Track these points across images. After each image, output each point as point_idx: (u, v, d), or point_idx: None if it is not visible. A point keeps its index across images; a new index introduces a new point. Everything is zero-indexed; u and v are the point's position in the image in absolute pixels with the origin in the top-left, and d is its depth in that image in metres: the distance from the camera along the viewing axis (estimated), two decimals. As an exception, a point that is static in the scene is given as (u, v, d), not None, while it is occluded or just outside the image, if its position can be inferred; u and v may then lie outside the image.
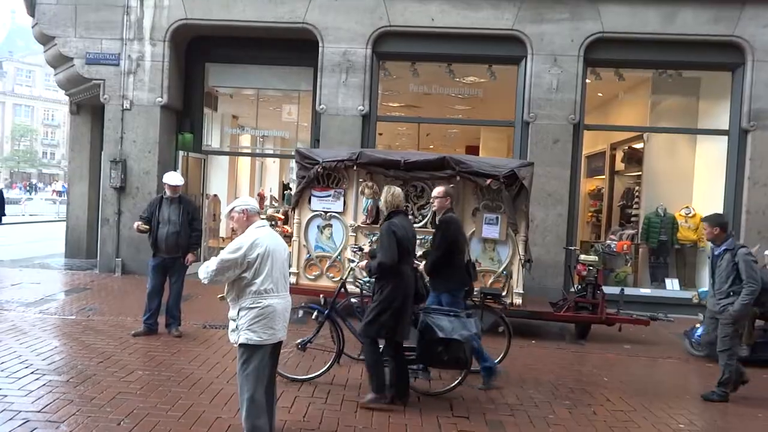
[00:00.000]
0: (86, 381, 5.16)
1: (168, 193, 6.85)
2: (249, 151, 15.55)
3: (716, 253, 5.92)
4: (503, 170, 7.55)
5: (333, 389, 5.36)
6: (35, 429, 4.18)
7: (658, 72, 10.53)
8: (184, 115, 11.26)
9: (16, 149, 68.60)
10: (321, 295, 5.99)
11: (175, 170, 10.78)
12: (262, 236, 3.98)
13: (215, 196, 12.57)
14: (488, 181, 7.55)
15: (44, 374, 5.30)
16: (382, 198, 5.21)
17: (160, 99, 10.44)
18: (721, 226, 5.90)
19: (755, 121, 9.63)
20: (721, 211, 9.92)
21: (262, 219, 4.21)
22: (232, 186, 15.43)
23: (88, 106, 12.49)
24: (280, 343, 4.11)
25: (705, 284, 9.59)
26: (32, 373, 5.32)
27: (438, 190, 5.97)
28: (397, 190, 5.23)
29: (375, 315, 4.93)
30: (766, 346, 7.10)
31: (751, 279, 5.58)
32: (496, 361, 5.87)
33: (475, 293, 6.24)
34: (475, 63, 10.56)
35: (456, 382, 5.38)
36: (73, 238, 12.66)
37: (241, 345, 3.94)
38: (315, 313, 5.66)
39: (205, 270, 3.90)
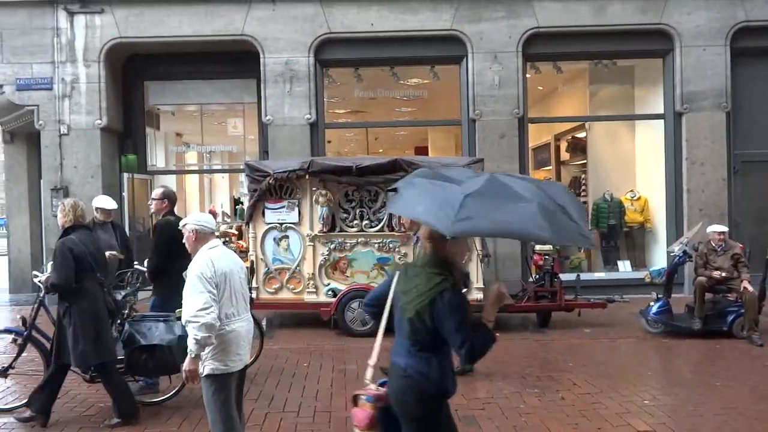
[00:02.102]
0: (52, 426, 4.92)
1: (100, 218, 6.61)
2: (196, 168, 15.22)
3: None
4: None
5: (304, 401, 5.29)
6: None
7: (593, 63, 10.88)
8: (126, 136, 10.95)
9: (-55, 184, 65.19)
10: (20, 317, 5.49)
11: (121, 194, 10.49)
12: (214, 258, 3.61)
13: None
14: (441, 180, 7.61)
15: (-2, 417, 5.04)
16: (58, 213, 4.86)
17: (99, 121, 10.12)
18: None
19: (687, 104, 10.06)
20: (663, 192, 10.38)
21: (216, 237, 3.87)
22: (181, 205, 15.08)
23: (23, 134, 11.97)
24: (243, 371, 3.82)
25: (655, 264, 10.00)
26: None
27: (156, 192, 5.74)
28: (77, 202, 4.89)
29: (73, 345, 4.66)
30: (717, 318, 7.41)
31: None
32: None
33: None
34: (418, 65, 10.67)
35: (176, 389, 5.24)
36: (15, 272, 12.09)
37: (207, 377, 3.57)
38: (12, 336, 5.30)
39: (193, 343, 3.43)
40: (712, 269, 7.43)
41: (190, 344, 3.43)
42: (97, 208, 6.69)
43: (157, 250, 5.49)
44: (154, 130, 11.80)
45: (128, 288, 6.36)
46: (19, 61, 10.09)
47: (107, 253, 6.23)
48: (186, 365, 3.51)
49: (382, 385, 2.86)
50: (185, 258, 4.84)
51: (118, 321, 5.10)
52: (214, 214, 17.46)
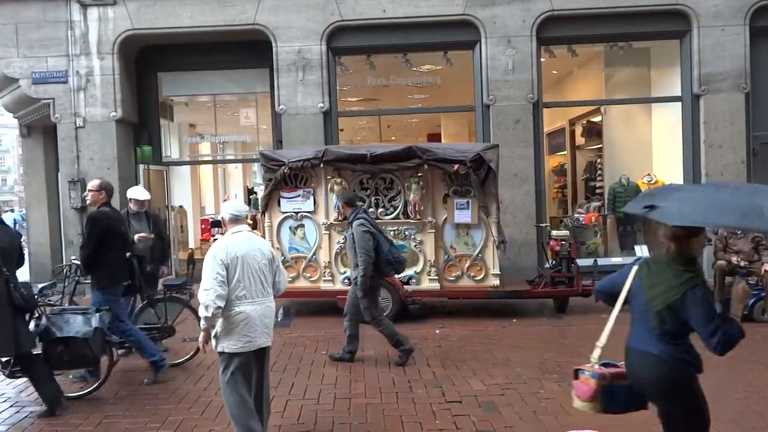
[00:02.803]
0: (69, 410, 5.01)
1: (134, 208, 6.71)
2: (210, 158, 15.30)
3: None
4: (469, 155, 7.60)
5: (324, 388, 5.33)
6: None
7: (609, 45, 10.71)
8: (141, 127, 11.00)
9: (-37, 178, 66.15)
10: None
11: (137, 184, 10.56)
12: (230, 243, 3.92)
13: (180, 207, 12.35)
14: (456, 166, 7.60)
15: (24, 406, 5.12)
16: None
17: (114, 113, 10.18)
18: None
19: (705, 86, 9.90)
20: (680, 175, 10.25)
21: (244, 223, 4.09)
22: (196, 196, 15.19)
23: (40, 127, 12.10)
24: (264, 349, 4.03)
25: (673, 248, 9.88)
26: (5, 401, 5.14)
27: (92, 183, 5.75)
28: None
29: None
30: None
31: None
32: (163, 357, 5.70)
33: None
34: (430, 51, 10.59)
35: (99, 382, 5.31)
36: (36, 264, 12.27)
37: (219, 353, 3.94)
38: None
39: (203, 311, 3.79)
40: (732, 253, 7.35)
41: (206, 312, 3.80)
42: (130, 199, 6.79)
43: (89, 240, 5.48)
44: (168, 121, 11.86)
45: (68, 282, 6.44)
46: (35, 54, 10.15)
47: (136, 236, 6.33)
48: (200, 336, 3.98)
49: (605, 365, 3.32)
50: (122, 249, 4.94)
51: (36, 315, 5.13)
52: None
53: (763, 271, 7.12)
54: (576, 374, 3.33)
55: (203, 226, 14.50)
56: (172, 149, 12.16)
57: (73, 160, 10.25)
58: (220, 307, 3.77)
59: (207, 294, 3.76)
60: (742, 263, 7.24)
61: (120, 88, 10.21)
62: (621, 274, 3.27)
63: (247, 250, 3.93)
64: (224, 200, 17.61)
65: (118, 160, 10.26)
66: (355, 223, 5.96)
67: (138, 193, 6.79)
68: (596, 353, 3.28)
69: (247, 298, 3.88)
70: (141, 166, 10.81)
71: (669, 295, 2.94)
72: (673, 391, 3.05)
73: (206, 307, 3.75)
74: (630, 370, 3.20)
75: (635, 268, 3.16)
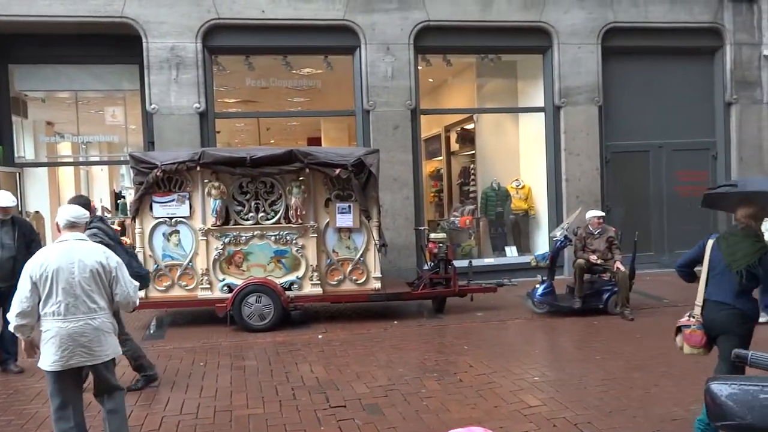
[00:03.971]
0: None
1: None
2: (71, 160, 14.11)
3: None
4: (351, 159, 7.65)
5: (203, 402, 5.10)
6: None
7: (480, 57, 11.29)
8: (-11, 124, 9.91)
9: None
10: None
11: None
12: (48, 254, 3.72)
13: (37, 212, 11.25)
14: (337, 170, 7.61)
15: None
16: None
17: (-45, 108, 9.08)
18: None
19: (565, 98, 10.74)
20: (544, 181, 11.04)
21: (80, 233, 3.85)
22: (54, 200, 13.88)
23: None
24: (94, 367, 3.78)
25: (539, 248, 10.62)
26: None
27: None
28: None
29: None
30: (594, 296, 8.03)
31: None
32: None
33: None
34: (311, 54, 10.52)
35: None
36: None
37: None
38: None
39: (11, 315, 3.67)
40: (590, 252, 8.02)
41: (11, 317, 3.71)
42: None
43: None
44: (21, 118, 10.76)
45: None
46: None
47: None
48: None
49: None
50: None
51: None
52: (93, 209, 16.29)
53: (615, 268, 7.83)
54: (678, 330, 4.22)
55: (63, 233, 13.31)
56: (26, 149, 11.07)
57: None
58: (23, 324, 3.66)
59: (11, 311, 3.66)
60: (599, 261, 7.92)
61: (-38, 80, 9.13)
62: (697, 250, 4.24)
63: (62, 262, 3.66)
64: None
65: (-40, 160, 9.17)
66: (88, 232, 4.94)
67: (4, 198, 5.98)
68: (697, 311, 4.11)
69: (57, 315, 3.63)
70: (-11, 168, 9.74)
71: (749, 258, 3.89)
72: (736, 331, 3.97)
73: (11, 323, 3.69)
74: (710, 317, 4.05)
75: (711, 242, 4.11)
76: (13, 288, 5.48)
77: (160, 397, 5.24)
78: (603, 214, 8.38)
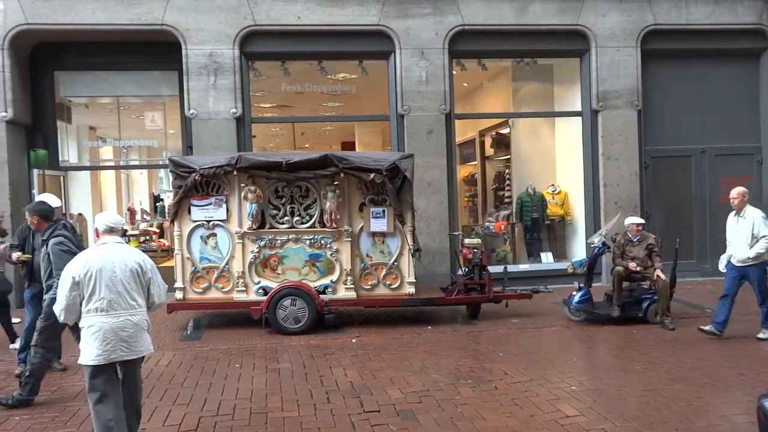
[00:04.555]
0: None
1: None
2: (112, 164, 14.52)
3: None
4: (385, 164, 7.66)
5: (239, 403, 5.15)
6: None
7: (516, 61, 11.20)
8: (35, 129, 10.23)
9: None
10: None
11: (31, 191, 9.83)
12: (90, 255, 3.96)
13: (80, 215, 11.58)
14: (372, 175, 7.62)
15: None
16: None
17: (4, 114, 9.40)
18: None
19: (603, 102, 10.56)
20: (581, 186, 10.87)
21: (113, 234, 4.11)
22: (96, 202, 14.28)
23: None
24: (127, 362, 3.99)
25: (576, 255, 10.46)
26: None
27: None
28: None
29: None
30: (633, 305, 7.84)
31: None
32: None
33: None
34: (345, 59, 10.61)
35: None
36: None
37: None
38: None
39: (57, 309, 3.95)
40: (629, 259, 7.85)
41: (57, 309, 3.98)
42: None
43: None
44: (65, 123, 11.11)
45: None
46: None
47: (14, 255, 5.84)
48: None
49: None
50: None
51: None
52: (133, 212, 16.71)
53: (655, 276, 7.64)
54: None
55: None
56: (70, 153, 11.41)
57: (-45, 164, 9.37)
58: (67, 319, 3.94)
59: (56, 306, 3.95)
60: (638, 269, 7.74)
61: (11, 87, 9.45)
62: None
63: (105, 262, 3.92)
64: (128, 208, 16.78)
65: (9, 164, 9.48)
66: (53, 240, 5.18)
67: (46, 200, 6.17)
68: None
69: (100, 311, 3.87)
70: (35, 171, 10.06)
71: None
72: None
73: (58, 317, 3.98)
74: None
75: None
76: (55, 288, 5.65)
77: (197, 398, 5.31)
78: (642, 221, 8.20)
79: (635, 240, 7.92)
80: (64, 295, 3.88)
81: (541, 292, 8.57)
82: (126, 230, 14.65)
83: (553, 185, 11.23)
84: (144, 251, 7.73)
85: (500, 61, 11.34)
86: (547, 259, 11.05)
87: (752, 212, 6.93)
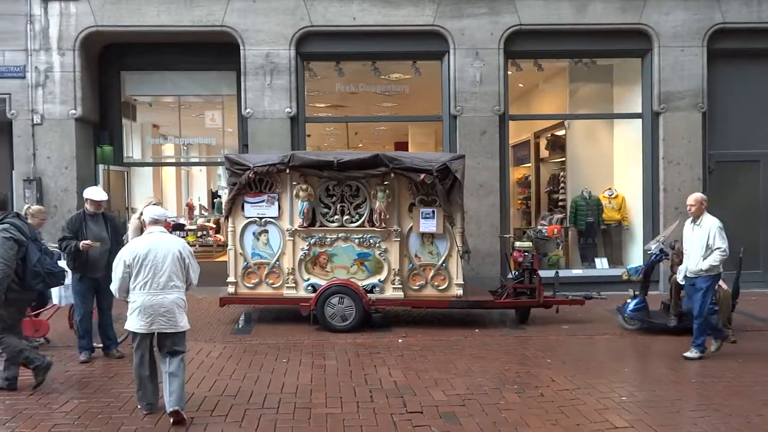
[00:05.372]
0: (16, 417, 4.81)
1: (90, 209, 6.45)
2: (173, 160, 15.03)
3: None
4: (436, 164, 7.63)
5: (284, 398, 5.24)
6: (-37, 475, 3.86)
7: (573, 61, 10.94)
8: (102, 127, 10.72)
9: None
10: None
11: (96, 185, 10.28)
12: (138, 242, 4.83)
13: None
14: (422, 176, 7.61)
15: None
16: None
17: (73, 111, 9.90)
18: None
19: (665, 104, 10.18)
20: (640, 190, 10.50)
21: (161, 227, 4.93)
22: (158, 198, 14.86)
23: (-6, 123, 11.67)
24: (167, 334, 4.73)
25: (631, 261, 10.13)
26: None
27: None
28: None
29: None
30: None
31: None
32: None
33: None
34: (399, 60, 10.64)
35: None
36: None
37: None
38: None
39: (113, 287, 4.81)
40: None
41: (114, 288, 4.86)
42: (86, 199, 6.49)
43: None
44: (130, 121, 11.59)
45: None
46: (-9, 48, 9.81)
47: (81, 243, 6.12)
48: None
49: None
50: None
51: None
52: (191, 207, 17.27)
53: (717, 286, 7.30)
54: None
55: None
56: (134, 150, 11.89)
57: (29, 158, 9.92)
58: (121, 295, 4.79)
59: (112, 285, 4.82)
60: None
61: (81, 86, 9.93)
62: None
63: (150, 249, 4.71)
64: (187, 203, 17.33)
65: (76, 159, 9.97)
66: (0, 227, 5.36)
67: (94, 193, 6.53)
68: None
69: (143, 288, 4.66)
70: (101, 166, 10.54)
71: None
72: None
73: (115, 289, 4.82)
74: None
75: None
76: (107, 278, 5.94)
77: (244, 390, 5.43)
78: None
79: (696, 248, 7.58)
80: (118, 277, 4.70)
81: (594, 299, 8.31)
82: (184, 225, 15.19)
83: (610, 189, 10.90)
84: (200, 246, 7.96)
85: (557, 61, 11.12)
86: (601, 264, 10.75)
87: (709, 221, 6.50)
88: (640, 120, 10.52)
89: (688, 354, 6.46)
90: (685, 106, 10.17)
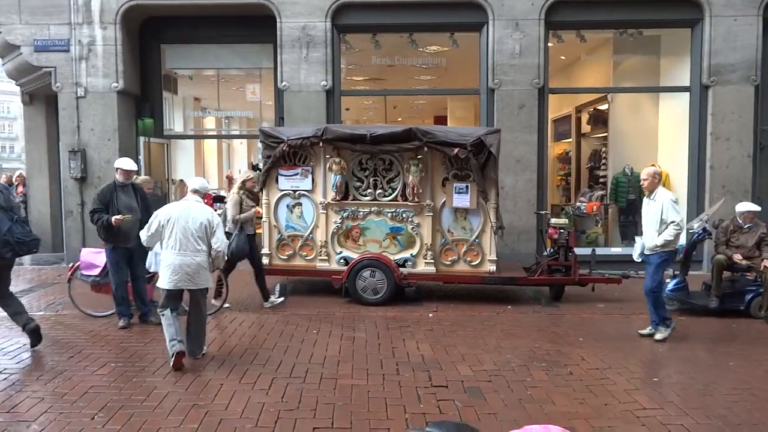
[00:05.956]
0: (57, 377, 5.04)
1: (120, 179, 6.58)
2: (214, 133, 15.24)
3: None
4: (470, 139, 7.51)
5: (311, 368, 5.32)
6: (5, 430, 4.07)
7: (619, 32, 10.52)
8: (143, 99, 10.94)
9: (-28, 145, 66.17)
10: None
11: (137, 157, 10.53)
12: (174, 207, 5.46)
13: (181, 181, 12.31)
14: (456, 150, 7.50)
15: (12, 374, 5.15)
16: None
17: (115, 84, 10.11)
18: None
19: (715, 77, 9.73)
20: (685, 167, 10.13)
21: (198, 197, 5.58)
22: (199, 170, 15.11)
23: (41, 96, 12.06)
24: (192, 291, 5.43)
25: (673, 240, 9.79)
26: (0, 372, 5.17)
27: None
28: None
29: None
30: (734, 297, 7.28)
31: None
32: None
33: None
34: (437, 31, 10.44)
35: None
36: (37, 233, 12.25)
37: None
38: None
39: (144, 235, 5.46)
40: (734, 248, 7.27)
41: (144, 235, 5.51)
42: (117, 169, 6.66)
43: None
44: (171, 94, 11.78)
45: None
46: (37, 21, 10.07)
47: (113, 218, 6.28)
48: None
49: None
50: None
51: None
52: (231, 179, 17.52)
53: (762, 267, 7.03)
54: None
55: (206, 201, 14.43)
56: (175, 122, 12.10)
57: (73, 130, 10.22)
58: (149, 244, 5.54)
59: (143, 233, 5.48)
60: (742, 262, 7.15)
61: (122, 59, 10.13)
62: None
63: (182, 214, 5.32)
64: (226, 175, 17.60)
65: (119, 131, 10.22)
66: None
67: (125, 163, 6.66)
68: None
69: (173, 248, 5.27)
70: (142, 139, 10.78)
71: None
72: None
73: (145, 236, 5.47)
74: None
75: None
76: (139, 247, 6.19)
77: (274, 359, 5.54)
78: (758, 208, 7.51)
79: (745, 227, 7.32)
80: (152, 229, 5.33)
81: (632, 278, 8.12)
82: (224, 197, 15.43)
83: (653, 165, 10.45)
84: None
85: (601, 32, 10.72)
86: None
87: (662, 195, 6.20)
88: (687, 94, 10.10)
89: (647, 331, 6.35)
90: (737, 79, 9.70)
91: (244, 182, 7.60)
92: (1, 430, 4.07)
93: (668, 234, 6.10)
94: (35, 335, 5.79)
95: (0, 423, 4.17)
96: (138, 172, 7.35)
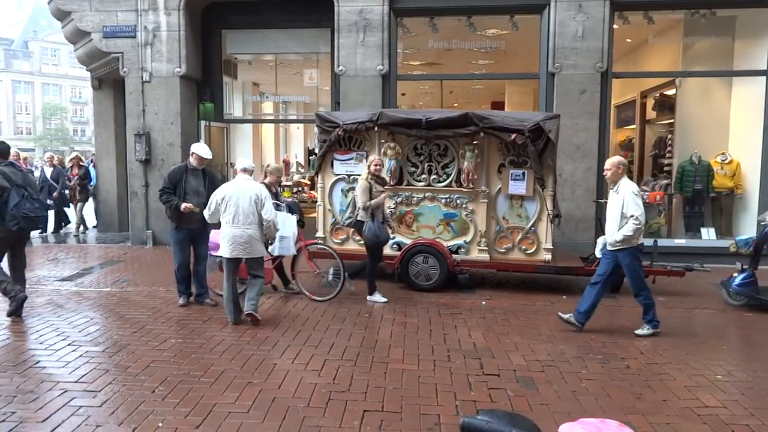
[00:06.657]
0: (121, 351, 5.27)
1: (194, 163, 6.72)
2: (272, 117, 15.49)
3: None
4: (528, 124, 7.34)
5: (363, 351, 5.37)
6: (73, 399, 4.29)
7: (690, 12, 10.00)
8: (204, 84, 11.21)
9: (47, 128, 69.74)
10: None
11: (198, 141, 10.81)
12: (228, 186, 6.16)
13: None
14: (513, 136, 7.35)
15: (81, 345, 5.42)
16: None
17: (178, 69, 10.40)
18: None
19: (795, 59, 9.14)
20: (758, 156, 9.58)
21: (244, 173, 6.20)
22: (257, 154, 15.44)
23: (110, 81, 12.53)
24: (248, 260, 6.14)
25: (743, 232, 9.35)
26: (69, 345, 5.45)
27: None
28: None
29: None
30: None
31: None
32: None
33: None
34: (496, 14, 10.21)
35: None
36: (104, 212, 12.88)
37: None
38: None
39: (206, 213, 6.16)
40: (808, 242, 6.86)
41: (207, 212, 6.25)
42: (192, 153, 6.74)
43: None
44: (231, 79, 12.02)
45: None
46: (106, 8, 10.45)
47: (183, 205, 6.48)
48: None
49: None
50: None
51: None
52: (287, 163, 17.82)
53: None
54: None
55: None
56: (234, 107, 12.36)
57: (139, 114, 10.59)
58: (210, 220, 6.23)
59: (206, 211, 6.18)
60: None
61: (185, 45, 10.40)
62: None
63: (234, 191, 6.02)
64: (283, 160, 17.89)
65: (181, 115, 10.53)
66: None
67: (202, 150, 6.73)
68: None
69: (229, 222, 5.99)
70: (203, 123, 11.06)
71: None
72: None
73: (207, 213, 6.21)
74: None
75: None
76: (203, 229, 6.54)
77: (326, 341, 5.62)
78: None
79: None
80: (212, 208, 6.04)
81: (696, 271, 7.77)
82: (281, 180, 15.71)
83: (723, 154, 10.04)
84: (295, 202, 8.30)
85: (671, 13, 10.22)
86: (708, 235, 10.01)
87: (625, 187, 5.78)
88: (764, 78, 9.53)
89: (638, 331, 6.02)
90: (820, 61, 9.08)
91: (368, 167, 7.13)
92: (69, 399, 4.30)
93: (627, 229, 5.77)
94: (18, 306, 6.20)
95: (68, 392, 4.40)
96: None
